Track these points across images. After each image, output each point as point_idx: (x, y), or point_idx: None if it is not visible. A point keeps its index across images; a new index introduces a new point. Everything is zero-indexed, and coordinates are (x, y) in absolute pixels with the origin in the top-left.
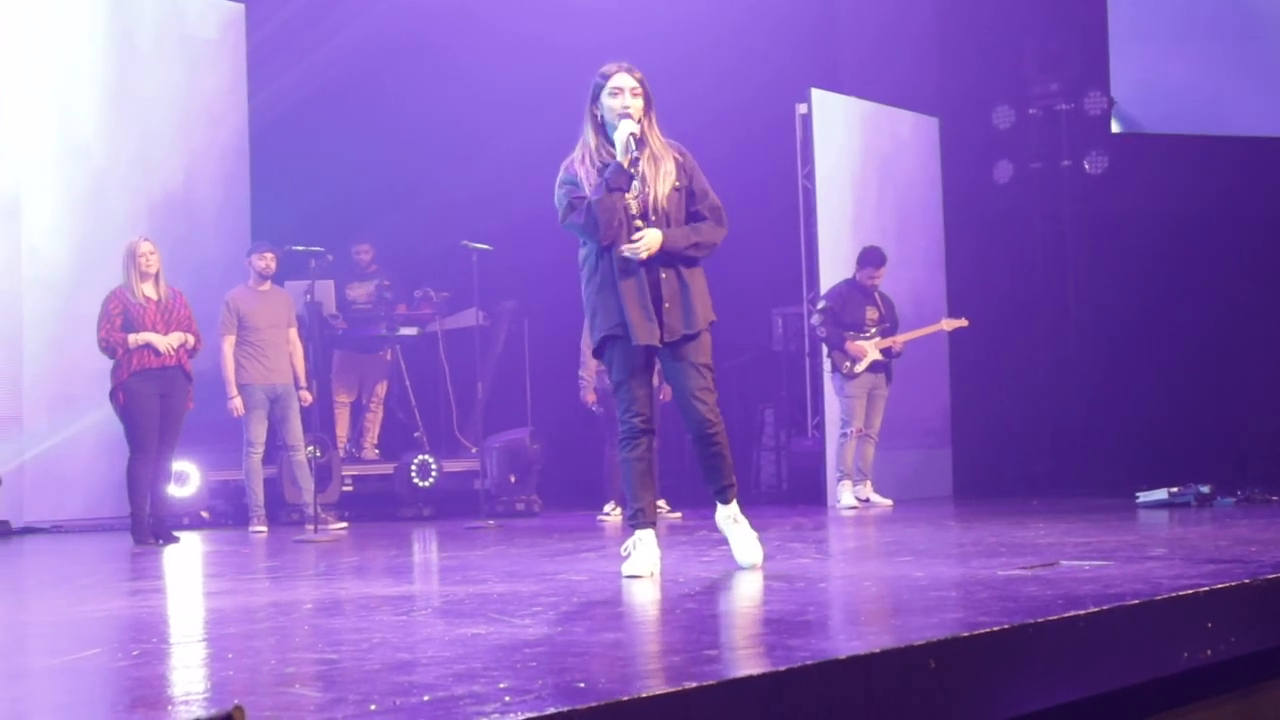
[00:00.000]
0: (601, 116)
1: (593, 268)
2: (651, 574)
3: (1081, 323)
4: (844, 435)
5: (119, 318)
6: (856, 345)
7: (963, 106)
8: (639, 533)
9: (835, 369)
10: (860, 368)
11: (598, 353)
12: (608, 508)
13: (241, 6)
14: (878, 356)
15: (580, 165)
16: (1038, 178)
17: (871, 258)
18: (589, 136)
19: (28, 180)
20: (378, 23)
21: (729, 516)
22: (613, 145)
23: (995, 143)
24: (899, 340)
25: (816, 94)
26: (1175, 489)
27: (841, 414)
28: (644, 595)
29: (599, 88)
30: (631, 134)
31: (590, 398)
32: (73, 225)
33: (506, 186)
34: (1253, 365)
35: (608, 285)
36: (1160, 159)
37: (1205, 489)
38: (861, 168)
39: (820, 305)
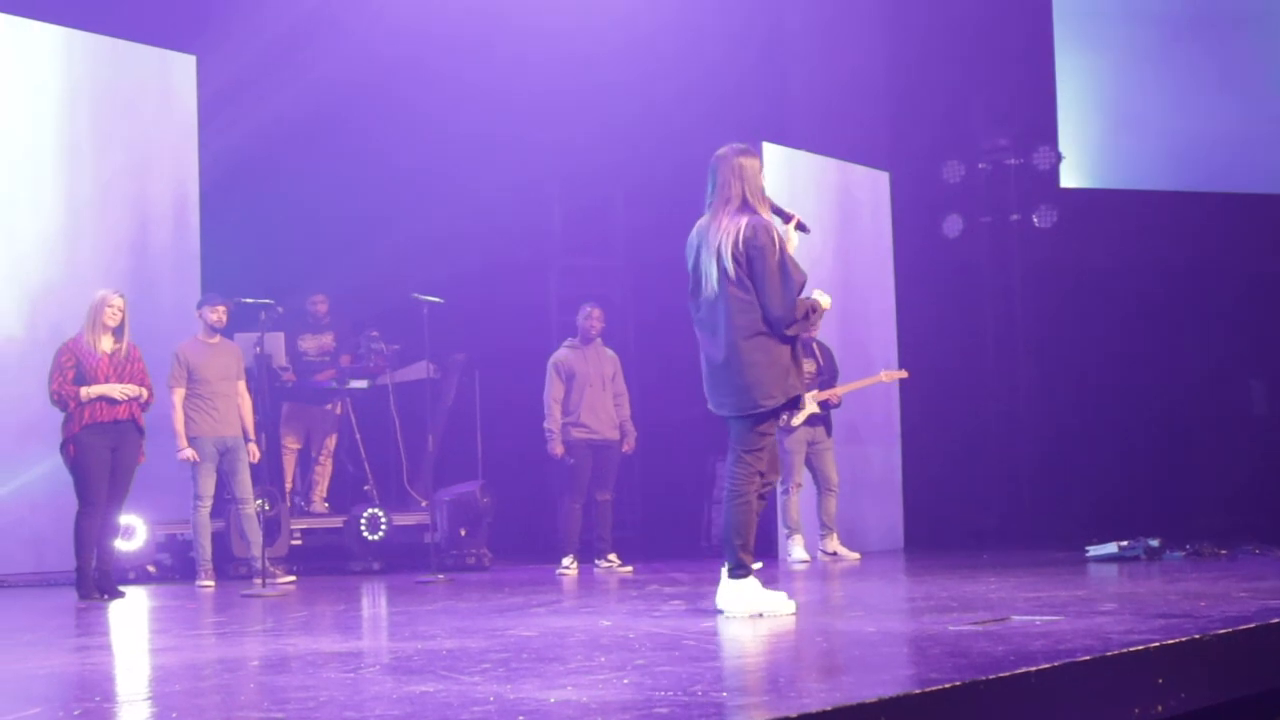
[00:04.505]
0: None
1: (768, 335)
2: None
3: (1031, 376)
4: (785, 492)
5: (71, 370)
6: None
7: (913, 161)
8: (754, 579)
9: None
10: (798, 420)
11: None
12: (566, 561)
13: (193, 58)
14: (815, 409)
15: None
16: (987, 232)
17: None
18: (768, 211)
19: None
20: (329, 75)
21: None
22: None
23: (945, 197)
24: (837, 392)
25: (768, 148)
26: (1125, 543)
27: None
28: (593, 652)
29: (761, 166)
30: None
31: (558, 450)
32: (26, 275)
33: (458, 239)
34: (1202, 418)
35: (792, 358)
36: (1108, 213)
37: (1155, 543)
38: (812, 222)
39: None
